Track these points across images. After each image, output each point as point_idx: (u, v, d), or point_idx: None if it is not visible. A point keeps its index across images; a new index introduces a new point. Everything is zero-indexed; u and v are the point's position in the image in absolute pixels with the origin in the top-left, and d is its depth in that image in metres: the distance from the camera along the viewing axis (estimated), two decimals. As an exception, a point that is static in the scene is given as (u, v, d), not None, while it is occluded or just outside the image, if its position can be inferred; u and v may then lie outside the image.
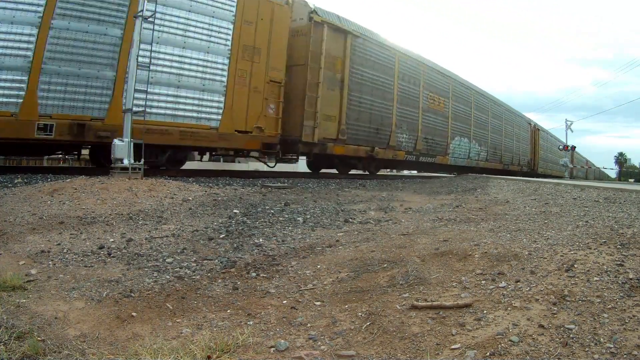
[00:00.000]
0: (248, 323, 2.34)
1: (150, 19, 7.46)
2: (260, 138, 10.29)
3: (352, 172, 18.04)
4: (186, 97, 9.00)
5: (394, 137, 14.03)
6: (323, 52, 11.15)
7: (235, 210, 5.41)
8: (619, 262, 2.52)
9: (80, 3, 7.76)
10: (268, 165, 13.54)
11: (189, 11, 8.98)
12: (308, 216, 5.36)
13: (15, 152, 10.71)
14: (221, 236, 4.20)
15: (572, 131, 39.84)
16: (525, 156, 26.85)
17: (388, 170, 24.87)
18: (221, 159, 18.06)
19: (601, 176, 56.42)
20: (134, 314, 2.45)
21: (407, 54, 14.83)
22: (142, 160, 7.23)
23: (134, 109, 7.23)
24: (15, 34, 7.18)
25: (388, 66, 13.74)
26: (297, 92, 11.10)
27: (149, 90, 7.88)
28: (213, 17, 9.32)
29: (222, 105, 9.53)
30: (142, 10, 7.35)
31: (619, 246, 2.84)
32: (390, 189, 10.25)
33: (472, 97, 19.53)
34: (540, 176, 25.46)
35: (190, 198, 6.02)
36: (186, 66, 8.97)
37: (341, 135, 11.96)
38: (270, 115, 10.39)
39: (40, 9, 7.33)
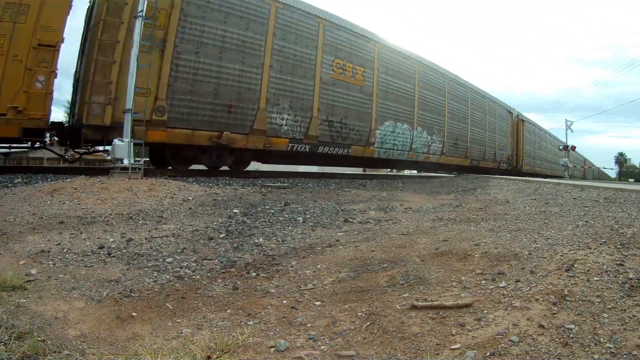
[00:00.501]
0: (248, 323, 2.34)
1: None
2: (18, 122, 7.65)
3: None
4: None
5: (263, 117, 10.08)
6: (128, 1, 8.22)
7: (235, 210, 5.41)
8: (619, 262, 2.52)
9: None
10: (66, 159, 10.20)
11: None
12: (308, 216, 5.37)
13: None
14: (221, 236, 4.20)
15: (572, 131, 39.81)
16: (503, 151, 22.67)
17: (389, 170, 24.75)
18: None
19: (600, 176, 56.43)
20: (134, 314, 2.46)
21: (289, 4, 10.76)
22: (142, 159, 7.24)
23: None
24: None
25: (253, 20, 9.90)
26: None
27: None
28: None
29: None
30: (142, 11, 7.36)
31: (619, 246, 2.84)
32: (390, 188, 10.26)
33: (417, 71, 15.09)
34: (525, 175, 22.00)
35: (190, 198, 6.02)
36: None
37: (157, 115, 8.51)
38: (36, 91, 7.69)
39: None
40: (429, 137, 15.93)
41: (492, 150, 21.15)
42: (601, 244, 2.93)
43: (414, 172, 23.30)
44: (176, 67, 8.74)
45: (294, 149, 11.00)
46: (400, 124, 14.35)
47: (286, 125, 10.70)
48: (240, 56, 9.65)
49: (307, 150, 11.36)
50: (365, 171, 21.24)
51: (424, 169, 17.83)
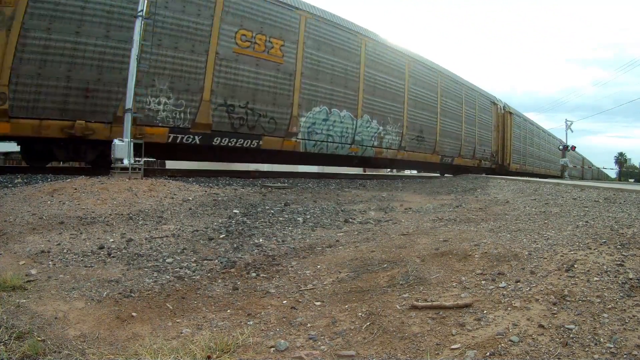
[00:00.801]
0: (248, 323, 2.34)
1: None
2: None
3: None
4: None
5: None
6: None
7: (235, 211, 5.41)
8: (619, 262, 2.52)
9: None
10: None
11: None
12: (308, 216, 5.37)
13: None
14: (221, 236, 4.20)
15: (572, 131, 39.89)
16: (485, 146, 20.02)
17: (389, 170, 24.72)
18: None
19: (600, 176, 56.46)
20: (134, 314, 2.46)
21: None
22: (142, 160, 7.25)
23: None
24: None
25: None
26: None
27: None
28: None
29: None
30: (142, 10, 7.36)
31: (619, 246, 2.84)
32: (390, 189, 10.26)
33: (363, 48, 12.58)
34: (513, 174, 20.36)
35: (190, 198, 6.02)
36: None
37: None
38: None
39: None
40: (381, 128, 13.28)
41: (470, 146, 18.45)
42: (601, 244, 2.93)
43: (414, 172, 23.28)
44: (22, 47, 7.40)
45: (178, 140, 8.94)
46: (338, 110, 11.85)
47: (165, 111, 8.66)
48: (103, 30, 7.97)
49: (197, 142, 9.19)
50: (365, 171, 21.29)
51: (376, 166, 15.67)
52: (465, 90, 18.32)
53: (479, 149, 19.32)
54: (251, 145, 10.13)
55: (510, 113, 22.88)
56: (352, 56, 12.32)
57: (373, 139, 13.12)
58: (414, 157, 15.07)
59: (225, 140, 9.60)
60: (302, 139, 11.05)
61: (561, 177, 29.06)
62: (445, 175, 18.43)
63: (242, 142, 9.88)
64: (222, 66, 9.39)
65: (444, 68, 17.00)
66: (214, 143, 9.45)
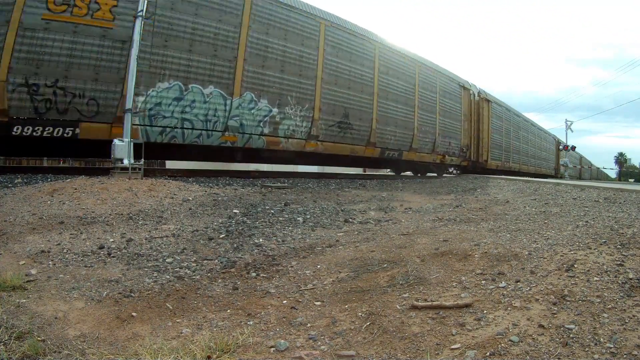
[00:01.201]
0: (248, 323, 2.34)
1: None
2: None
3: (352, 172, 16.87)
4: None
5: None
6: None
7: (235, 210, 5.41)
8: (619, 262, 2.52)
9: None
10: None
11: None
12: (308, 216, 5.37)
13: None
14: (221, 236, 4.20)
15: (572, 131, 39.96)
16: (451, 139, 16.82)
17: (388, 170, 24.66)
18: None
19: (600, 176, 56.44)
20: (134, 314, 2.46)
21: None
22: (142, 160, 7.24)
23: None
24: None
25: None
26: None
27: None
28: None
29: None
30: (142, 10, 7.36)
31: (619, 246, 2.84)
32: (390, 189, 10.27)
33: (247, 7, 9.72)
34: (493, 173, 18.08)
35: (190, 198, 6.01)
36: None
37: None
38: None
39: None
40: (275, 110, 10.32)
41: (427, 137, 15.22)
42: (601, 244, 2.93)
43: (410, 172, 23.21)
44: None
45: None
46: (199, 86, 9.13)
47: None
48: None
49: None
50: (365, 171, 21.28)
51: (272, 161, 12.46)
52: (420, 69, 14.81)
53: (442, 142, 16.06)
54: (65, 135, 7.80)
55: (488, 101, 19.14)
56: (227, 17, 9.45)
57: (262, 125, 10.12)
58: (334, 149, 11.77)
59: (28, 129, 7.50)
60: (141, 125, 8.44)
61: (561, 177, 28.99)
62: (407, 174, 17.46)
63: (50, 131, 7.64)
64: (25, 38, 7.43)
65: (385, 39, 13.57)
66: (14, 133, 7.41)
